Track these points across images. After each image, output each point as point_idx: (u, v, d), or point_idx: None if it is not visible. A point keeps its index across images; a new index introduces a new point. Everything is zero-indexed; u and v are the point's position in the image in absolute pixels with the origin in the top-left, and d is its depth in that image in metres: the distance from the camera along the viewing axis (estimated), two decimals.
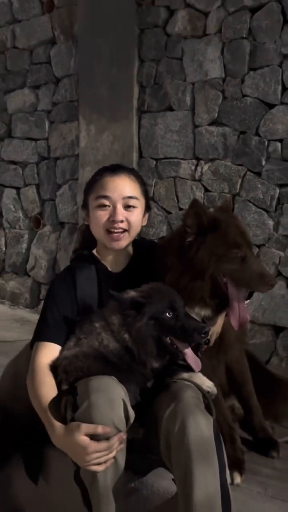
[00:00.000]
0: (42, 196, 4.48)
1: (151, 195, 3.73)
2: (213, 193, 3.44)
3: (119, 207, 1.79)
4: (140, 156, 3.79)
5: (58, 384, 1.66)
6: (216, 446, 1.47)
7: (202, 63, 3.46)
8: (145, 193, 1.89)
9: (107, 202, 1.80)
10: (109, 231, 1.80)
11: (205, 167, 3.47)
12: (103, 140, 3.93)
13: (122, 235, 1.80)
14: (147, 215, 1.90)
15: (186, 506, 1.43)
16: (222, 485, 1.44)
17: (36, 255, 4.51)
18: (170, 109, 3.63)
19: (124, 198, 1.80)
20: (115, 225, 1.78)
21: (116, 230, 1.79)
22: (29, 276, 4.58)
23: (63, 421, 1.58)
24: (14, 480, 1.96)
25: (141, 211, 1.85)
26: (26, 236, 4.60)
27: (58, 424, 1.57)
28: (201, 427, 1.47)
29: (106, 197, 1.80)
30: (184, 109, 3.56)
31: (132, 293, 1.65)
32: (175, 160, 3.61)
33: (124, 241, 1.82)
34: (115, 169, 1.85)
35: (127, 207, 1.81)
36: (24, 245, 4.60)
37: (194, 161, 3.53)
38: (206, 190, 3.48)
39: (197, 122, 3.50)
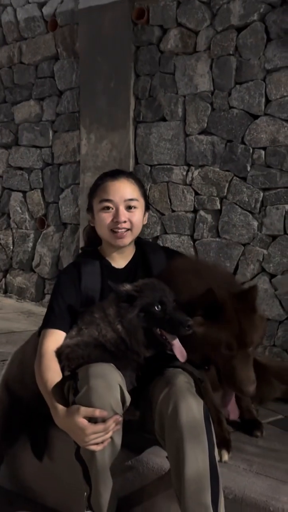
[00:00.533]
0: (46, 199, 4.46)
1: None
2: (203, 196, 3.44)
3: (122, 209, 1.78)
4: (136, 162, 3.78)
5: (62, 370, 1.65)
6: (205, 427, 1.47)
7: (192, 78, 3.45)
8: (144, 194, 1.88)
9: (110, 205, 1.79)
10: (113, 231, 1.80)
11: (195, 173, 3.46)
12: (102, 148, 3.92)
13: (125, 233, 1.80)
14: (147, 214, 1.90)
15: (178, 481, 1.43)
16: (211, 462, 1.44)
17: (41, 253, 4.48)
18: (164, 119, 3.62)
19: (125, 200, 1.79)
20: (119, 226, 1.78)
21: (120, 230, 1.79)
22: (34, 272, 4.56)
23: (67, 404, 1.57)
24: (21, 458, 1.95)
25: (142, 211, 1.84)
26: (32, 235, 4.58)
27: (60, 407, 1.57)
28: (192, 409, 1.47)
29: (109, 200, 1.79)
30: (176, 119, 3.55)
31: (127, 287, 1.64)
32: (168, 166, 3.60)
33: (128, 238, 1.81)
34: (115, 174, 1.84)
35: (128, 208, 1.80)
36: (30, 244, 4.58)
37: (185, 167, 3.52)
38: (196, 193, 3.47)
39: (188, 132, 3.49)
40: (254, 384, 1.55)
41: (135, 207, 1.81)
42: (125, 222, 1.78)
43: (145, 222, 1.88)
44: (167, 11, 3.54)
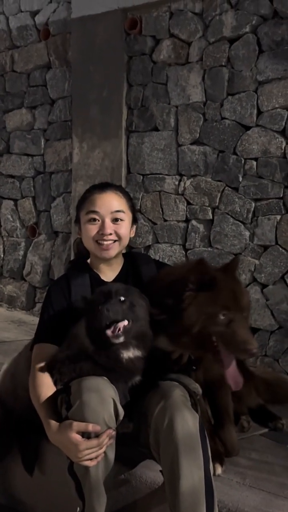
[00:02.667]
0: (38, 207, 4.45)
1: (138, 207, 3.72)
2: (195, 206, 3.45)
3: (107, 221, 1.79)
4: (128, 171, 3.78)
5: (55, 384, 1.64)
6: (201, 441, 1.47)
7: (185, 88, 3.47)
8: (132, 207, 1.88)
9: (96, 217, 1.80)
10: (98, 243, 1.80)
11: (188, 183, 3.48)
12: (94, 157, 3.92)
13: (112, 245, 1.80)
14: (134, 227, 1.90)
15: (173, 496, 1.43)
16: (206, 476, 1.44)
17: (32, 262, 4.47)
18: (156, 129, 3.63)
19: (112, 212, 1.79)
20: (105, 238, 1.78)
21: (105, 242, 1.79)
22: (25, 280, 4.54)
23: (60, 418, 1.56)
24: (13, 472, 1.93)
25: (129, 224, 1.84)
26: (23, 244, 4.56)
27: (53, 422, 1.56)
28: (187, 423, 1.47)
29: (95, 212, 1.80)
30: (169, 129, 3.56)
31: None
32: (160, 175, 3.62)
33: (114, 250, 1.81)
34: (103, 186, 1.85)
35: (115, 220, 1.80)
36: (21, 252, 4.56)
37: (178, 177, 3.53)
38: (188, 203, 3.49)
39: (180, 142, 3.51)
40: (256, 344, 1.57)
41: (121, 220, 1.80)
42: (111, 234, 1.78)
43: (132, 235, 1.88)
44: (160, 22, 3.57)
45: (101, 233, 1.78)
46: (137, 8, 3.65)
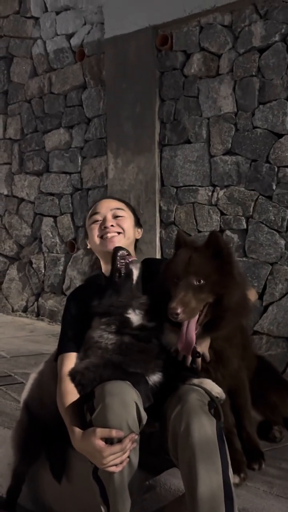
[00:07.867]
0: (76, 223, 4.55)
1: (172, 219, 3.74)
2: (229, 216, 3.43)
3: (109, 216, 1.87)
4: (162, 184, 3.82)
5: (80, 394, 1.67)
6: (219, 445, 1.44)
7: (216, 100, 3.49)
8: (133, 212, 1.96)
9: (98, 217, 1.88)
10: (103, 237, 1.84)
11: (221, 193, 3.47)
12: (129, 172, 3.99)
13: (116, 237, 1.84)
14: (140, 230, 1.97)
15: (192, 501, 1.41)
16: (225, 482, 1.41)
17: (71, 276, 4.56)
18: (188, 142, 3.66)
19: (111, 209, 1.88)
20: (108, 230, 1.84)
21: (109, 234, 1.83)
22: (65, 295, 4.62)
23: (85, 426, 1.58)
24: (42, 479, 1.96)
25: (131, 221, 1.90)
26: (63, 259, 4.67)
27: (77, 430, 1.58)
28: (204, 427, 1.45)
29: (96, 213, 1.89)
30: (201, 141, 3.58)
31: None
32: (194, 187, 3.63)
33: (118, 242, 1.82)
34: (106, 197, 2.01)
35: (116, 217, 1.87)
36: (61, 267, 4.67)
37: (211, 188, 3.53)
38: (222, 213, 3.48)
39: (212, 153, 3.52)
40: (178, 306, 1.51)
41: (122, 216, 1.88)
42: (113, 226, 1.84)
43: (138, 237, 1.94)
44: (190, 37, 3.62)
45: (103, 227, 1.85)
46: (168, 25, 3.73)
